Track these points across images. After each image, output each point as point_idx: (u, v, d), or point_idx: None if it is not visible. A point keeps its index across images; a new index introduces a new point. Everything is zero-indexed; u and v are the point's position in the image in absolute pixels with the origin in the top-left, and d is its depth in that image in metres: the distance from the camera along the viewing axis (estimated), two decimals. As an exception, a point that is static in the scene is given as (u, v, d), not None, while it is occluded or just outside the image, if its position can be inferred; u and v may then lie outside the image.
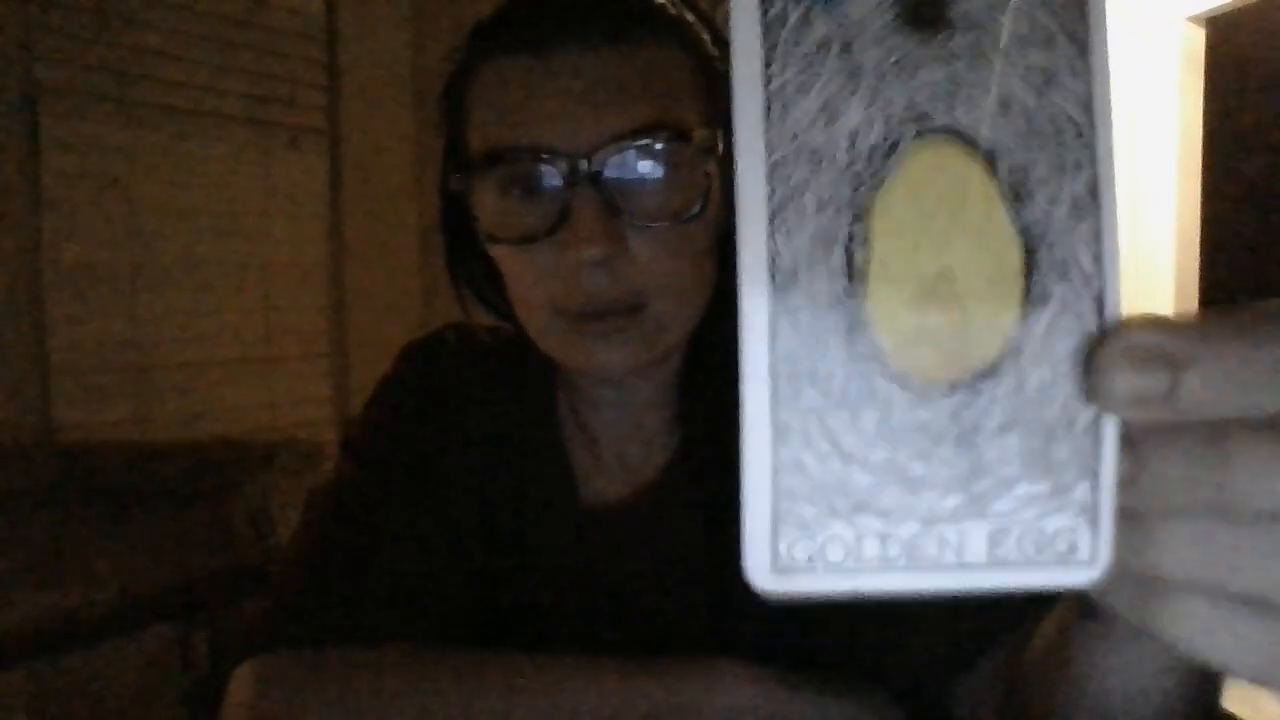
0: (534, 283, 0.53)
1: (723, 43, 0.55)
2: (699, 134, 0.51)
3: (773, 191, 0.22)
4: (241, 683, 0.52)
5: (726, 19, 0.23)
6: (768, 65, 0.22)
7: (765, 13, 0.22)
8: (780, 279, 0.21)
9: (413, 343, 0.68)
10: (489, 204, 0.53)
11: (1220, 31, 1.34)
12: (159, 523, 1.67)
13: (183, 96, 2.16)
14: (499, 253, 0.54)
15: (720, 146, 0.51)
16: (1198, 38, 1.36)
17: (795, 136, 0.22)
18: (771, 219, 0.21)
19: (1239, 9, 1.30)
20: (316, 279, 2.45)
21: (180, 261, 2.17)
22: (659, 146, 0.50)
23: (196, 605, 1.62)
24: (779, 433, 0.22)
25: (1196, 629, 0.22)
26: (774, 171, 0.22)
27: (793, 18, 0.22)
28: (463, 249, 0.60)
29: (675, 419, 0.60)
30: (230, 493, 1.74)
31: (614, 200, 0.49)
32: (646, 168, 0.50)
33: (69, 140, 1.97)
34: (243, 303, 2.29)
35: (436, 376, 0.65)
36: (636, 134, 0.49)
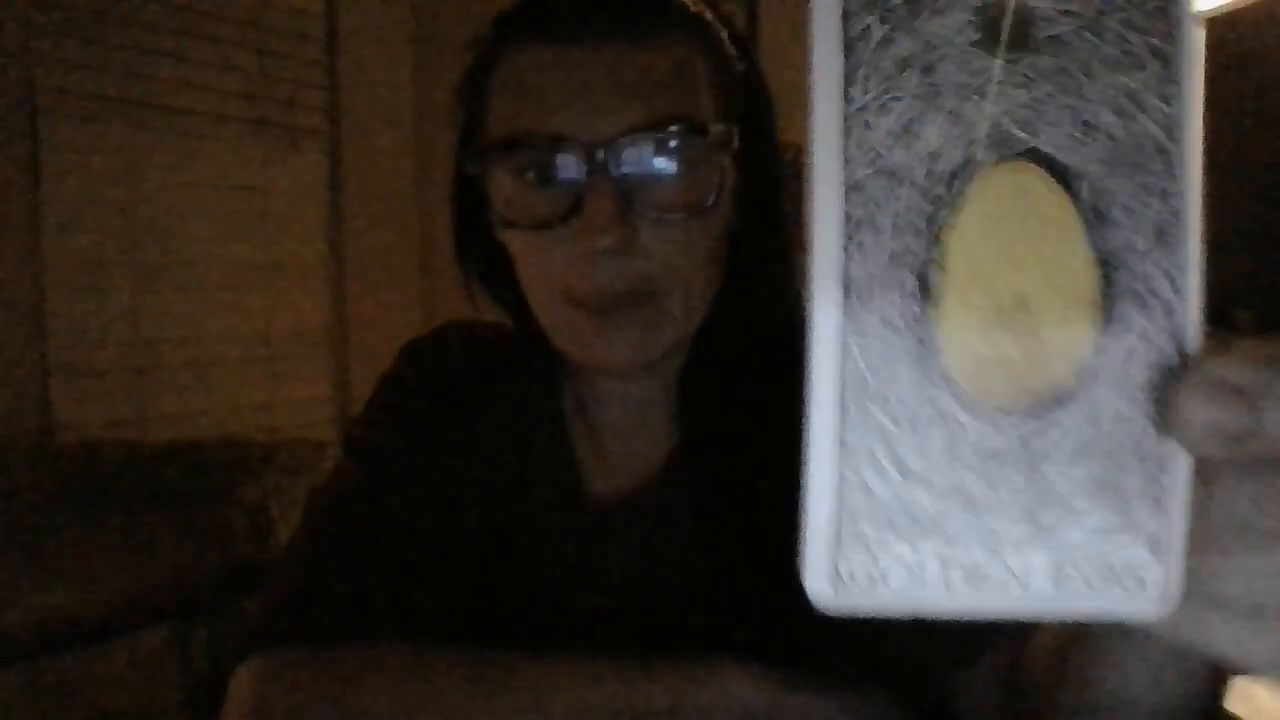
0: (546, 270, 0.53)
1: (739, 41, 0.56)
2: (715, 129, 0.51)
3: (849, 211, 0.21)
4: (242, 681, 0.52)
5: (799, 33, 0.22)
6: (849, 84, 0.21)
7: (847, 31, 0.21)
8: (853, 299, 0.21)
9: (414, 340, 0.68)
10: (504, 189, 0.53)
11: (1220, 31, 1.34)
12: (159, 523, 1.67)
13: (182, 96, 2.16)
14: (511, 239, 0.55)
15: (735, 142, 0.52)
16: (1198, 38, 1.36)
17: (874, 157, 0.21)
18: (847, 238, 0.21)
19: (1239, 9, 1.30)
20: (316, 279, 2.45)
21: (180, 261, 2.17)
22: (676, 140, 0.50)
23: (196, 605, 1.62)
24: (844, 452, 0.21)
25: (1255, 647, 0.22)
26: (851, 191, 0.21)
27: (875, 37, 0.21)
28: (472, 237, 0.61)
29: (678, 415, 0.60)
30: (230, 493, 1.74)
31: (629, 191, 0.50)
32: (663, 160, 0.51)
33: (69, 140, 1.97)
34: (243, 303, 2.30)
35: (438, 374, 0.65)
36: (654, 126, 0.50)
